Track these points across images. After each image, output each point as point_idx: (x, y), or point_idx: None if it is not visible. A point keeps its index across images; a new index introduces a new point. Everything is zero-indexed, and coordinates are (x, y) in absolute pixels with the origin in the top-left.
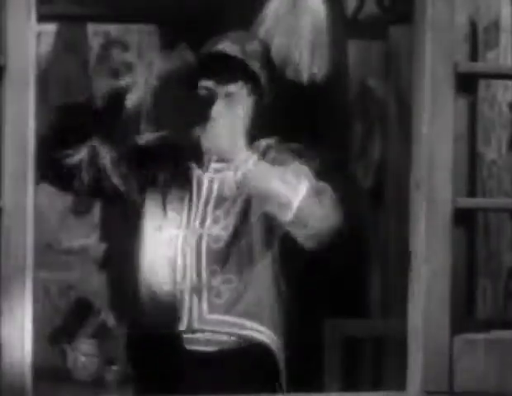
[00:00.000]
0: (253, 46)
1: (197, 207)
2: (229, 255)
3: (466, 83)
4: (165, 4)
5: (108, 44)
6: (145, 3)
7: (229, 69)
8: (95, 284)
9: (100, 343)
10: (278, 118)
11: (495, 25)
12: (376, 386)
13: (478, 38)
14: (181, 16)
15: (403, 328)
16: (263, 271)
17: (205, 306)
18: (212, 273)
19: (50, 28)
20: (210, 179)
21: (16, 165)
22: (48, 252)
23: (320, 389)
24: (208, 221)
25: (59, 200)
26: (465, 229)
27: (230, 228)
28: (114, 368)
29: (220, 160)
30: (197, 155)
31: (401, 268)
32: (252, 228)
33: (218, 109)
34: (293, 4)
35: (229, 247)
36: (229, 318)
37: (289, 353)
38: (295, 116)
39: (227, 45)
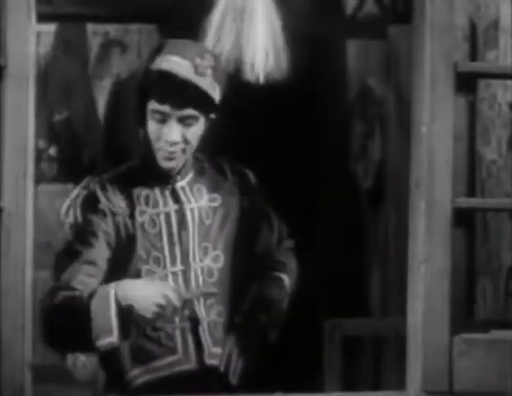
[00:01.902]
0: (205, 61)
1: (185, 240)
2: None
3: (466, 83)
4: (165, 4)
5: (108, 44)
6: (145, 3)
7: (182, 92)
8: None
9: None
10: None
11: (495, 26)
12: (376, 386)
13: (478, 38)
14: (181, 16)
15: (403, 328)
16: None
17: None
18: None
19: (50, 28)
20: (190, 208)
21: (16, 165)
22: (48, 252)
23: (320, 389)
24: (197, 254)
25: (59, 200)
26: (464, 229)
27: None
28: None
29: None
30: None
31: (401, 268)
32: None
33: (173, 132)
34: (242, 7)
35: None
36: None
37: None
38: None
39: (177, 63)
